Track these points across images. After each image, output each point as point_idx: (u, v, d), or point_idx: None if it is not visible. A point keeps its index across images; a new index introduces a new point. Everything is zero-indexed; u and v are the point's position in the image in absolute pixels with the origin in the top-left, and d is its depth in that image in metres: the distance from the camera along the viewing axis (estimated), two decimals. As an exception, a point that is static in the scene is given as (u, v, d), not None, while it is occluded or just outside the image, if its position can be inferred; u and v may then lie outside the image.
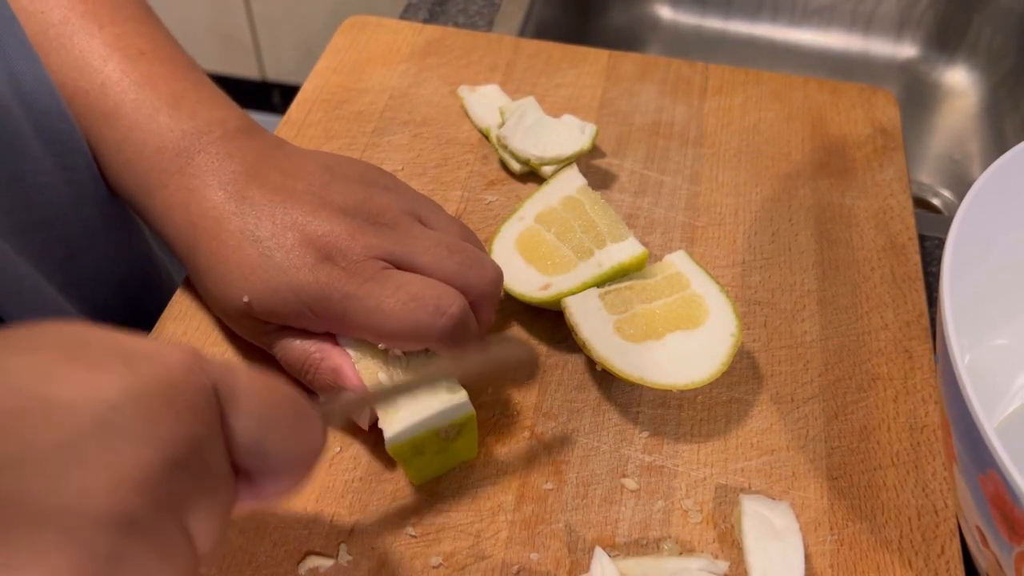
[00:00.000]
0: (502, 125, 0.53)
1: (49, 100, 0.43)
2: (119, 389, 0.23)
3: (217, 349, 0.44)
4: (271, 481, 0.28)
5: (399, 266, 0.39)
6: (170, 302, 0.46)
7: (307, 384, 0.41)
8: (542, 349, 0.45)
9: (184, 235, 0.41)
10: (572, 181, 0.49)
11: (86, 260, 0.47)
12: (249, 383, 0.27)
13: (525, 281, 0.45)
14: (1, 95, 0.40)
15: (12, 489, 0.20)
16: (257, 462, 0.27)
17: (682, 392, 0.44)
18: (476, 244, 0.43)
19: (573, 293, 0.43)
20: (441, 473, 0.40)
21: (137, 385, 0.23)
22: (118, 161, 0.44)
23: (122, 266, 0.51)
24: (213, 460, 0.25)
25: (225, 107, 0.44)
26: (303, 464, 0.28)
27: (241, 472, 0.27)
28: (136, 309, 0.52)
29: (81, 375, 0.23)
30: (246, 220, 0.39)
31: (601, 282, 0.44)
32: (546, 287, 0.44)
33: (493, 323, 0.43)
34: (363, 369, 0.39)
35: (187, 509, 0.24)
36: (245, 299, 0.39)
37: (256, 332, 0.41)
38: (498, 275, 0.41)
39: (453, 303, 0.38)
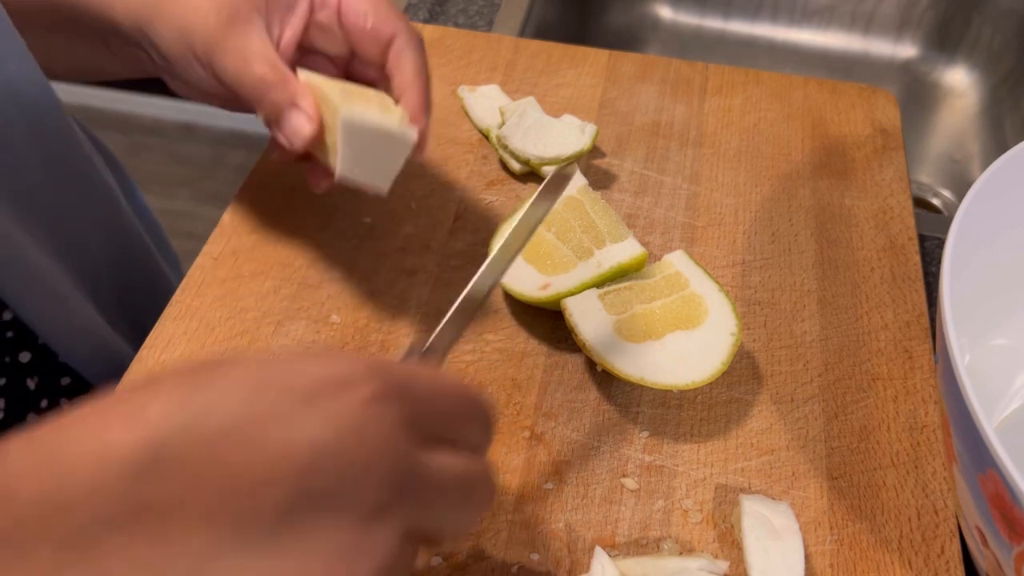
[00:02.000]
0: (502, 125, 0.53)
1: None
2: (309, 453, 0.22)
3: (216, 350, 0.44)
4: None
5: None
6: (170, 301, 0.46)
7: (254, 102, 0.41)
8: (542, 349, 0.45)
9: None
10: (573, 181, 0.49)
11: (69, 226, 0.48)
12: (429, 389, 0.26)
13: (525, 280, 0.45)
14: None
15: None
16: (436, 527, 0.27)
17: (682, 392, 0.44)
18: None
19: (572, 293, 0.43)
20: None
21: (331, 447, 0.23)
22: None
23: (105, 233, 0.51)
24: (417, 474, 0.25)
25: None
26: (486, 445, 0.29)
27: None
28: (130, 288, 0.53)
29: (273, 437, 0.22)
30: None
31: (600, 282, 0.44)
32: (545, 287, 0.44)
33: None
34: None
35: (417, 524, 0.24)
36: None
37: (232, 20, 0.41)
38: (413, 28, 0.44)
39: None
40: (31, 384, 0.45)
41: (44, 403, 0.46)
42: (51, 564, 0.20)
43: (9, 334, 0.44)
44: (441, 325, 0.34)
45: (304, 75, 0.42)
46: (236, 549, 0.22)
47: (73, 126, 0.44)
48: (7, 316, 0.44)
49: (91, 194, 0.49)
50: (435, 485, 0.25)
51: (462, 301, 0.35)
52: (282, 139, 0.40)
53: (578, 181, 0.49)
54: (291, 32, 0.42)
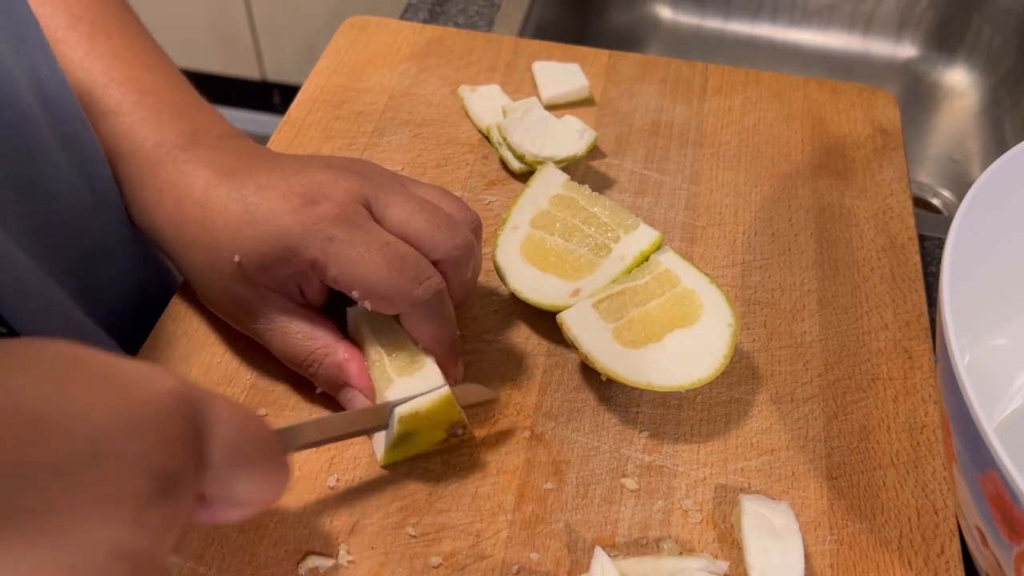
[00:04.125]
0: (505, 116, 0.53)
1: (70, 107, 0.43)
2: (113, 416, 0.23)
3: (216, 351, 0.44)
4: (229, 508, 0.28)
5: (373, 216, 0.40)
6: (170, 302, 0.46)
7: (309, 377, 0.41)
8: (542, 349, 0.45)
9: (172, 215, 0.42)
10: (554, 178, 0.49)
11: (105, 266, 0.48)
12: (228, 415, 0.27)
13: (551, 291, 0.44)
14: (24, 99, 0.40)
15: (5, 500, 0.21)
16: (221, 493, 0.27)
17: (684, 391, 0.44)
18: (458, 207, 0.43)
19: (604, 291, 0.43)
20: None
21: (130, 413, 0.23)
22: (115, 155, 0.45)
23: (143, 272, 0.51)
24: (186, 489, 0.25)
25: (221, 118, 0.46)
26: (264, 500, 0.29)
27: (200, 496, 0.27)
28: (155, 318, 0.52)
29: (78, 399, 0.23)
30: (231, 186, 0.40)
31: (627, 273, 0.44)
32: (576, 292, 0.44)
33: (474, 290, 0.43)
34: (375, 370, 0.40)
35: (164, 533, 0.24)
36: (236, 259, 0.39)
37: (252, 312, 0.41)
38: (467, 241, 0.41)
39: (433, 276, 0.39)
40: None
41: None
42: None
43: None
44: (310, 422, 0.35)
45: (352, 318, 0.42)
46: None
47: (89, 125, 0.45)
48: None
49: (108, 195, 0.48)
50: (182, 518, 0.25)
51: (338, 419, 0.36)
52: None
53: (560, 177, 0.49)
54: (313, 291, 0.41)
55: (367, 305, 0.39)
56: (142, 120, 0.44)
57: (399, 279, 0.38)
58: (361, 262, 0.38)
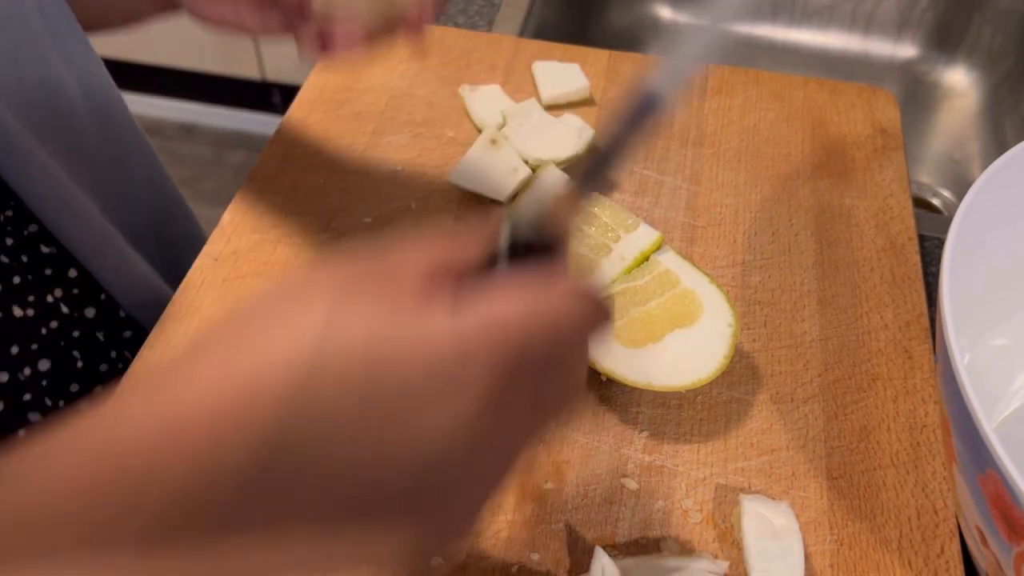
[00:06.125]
0: (502, 126, 0.53)
1: (119, 111, 0.48)
2: (426, 463, 0.23)
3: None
4: None
5: None
6: (170, 301, 0.46)
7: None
8: (542, 349, 0.45)
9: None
10: (556, 180, 0.49)
11: (116, 185, 0.52)
12: (547, 341, 0.24)
13: None
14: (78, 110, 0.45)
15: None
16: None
17: (684, 392, 0.44)
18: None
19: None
20: None
21: (442, 456, 0.23)
22: None
23: (146, 190, 0.55)
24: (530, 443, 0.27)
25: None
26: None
27: None
28: (170, 241, 0.57)
29: (385, 449, 0.22)
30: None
31: (628, 272, 0.44)
32: None
33: None
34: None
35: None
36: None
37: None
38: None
39: None
40: (100, 337, 0.48)
41: (113, 354, 0.49)
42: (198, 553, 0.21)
43: (75, 291, 0.47)
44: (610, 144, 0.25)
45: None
46: (356, 532, 0.22)
47: (120, 96, 0.49)
48: (72, 274, 0.47)
49: (136, 151, 0.54)
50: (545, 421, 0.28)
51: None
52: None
53: (559, 178, 0.49)
54: None
55: None
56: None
57: None
58: None
